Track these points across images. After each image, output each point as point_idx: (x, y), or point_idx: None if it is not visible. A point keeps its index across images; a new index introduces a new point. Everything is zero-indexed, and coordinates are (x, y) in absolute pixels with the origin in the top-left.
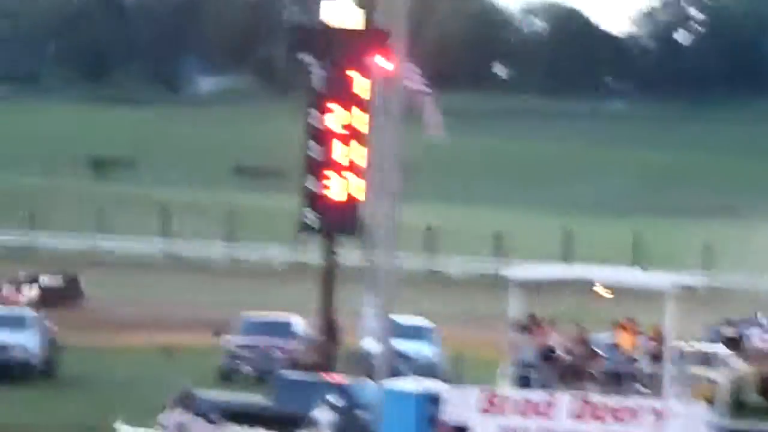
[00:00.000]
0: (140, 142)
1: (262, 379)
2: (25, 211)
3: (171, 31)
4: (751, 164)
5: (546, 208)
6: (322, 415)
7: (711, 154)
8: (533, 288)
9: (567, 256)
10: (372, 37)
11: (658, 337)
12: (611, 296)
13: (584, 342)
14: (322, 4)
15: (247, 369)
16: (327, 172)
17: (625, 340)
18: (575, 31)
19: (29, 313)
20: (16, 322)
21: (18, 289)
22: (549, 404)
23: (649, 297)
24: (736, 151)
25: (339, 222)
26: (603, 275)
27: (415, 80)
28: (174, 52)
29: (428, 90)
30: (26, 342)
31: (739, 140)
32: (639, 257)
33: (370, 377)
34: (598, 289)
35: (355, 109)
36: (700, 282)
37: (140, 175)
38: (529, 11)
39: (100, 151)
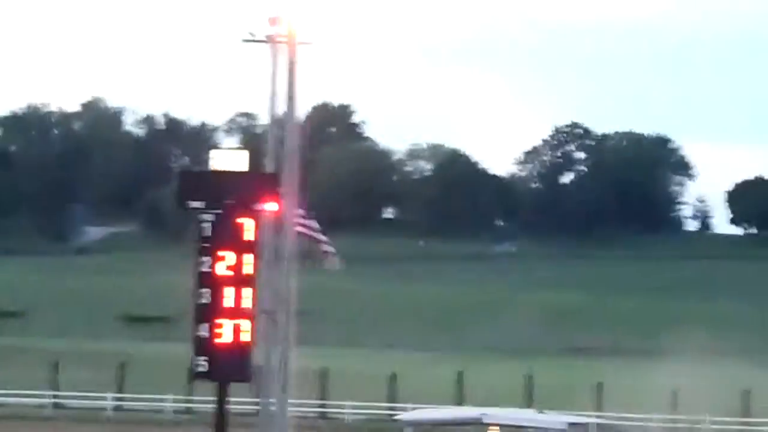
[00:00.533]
0: (28, 293)
1: None
2: None
3: (57, 180)
4: (636, 302)
5: (439, 351)
6: None
7: (598, 294)
8: (427, 430)
9: (460, 398)
10: (261, 181)
11: None
12: None
13: None
14: (210, 152)
15: None
16: (217, 320)
17: None
18: (460, 172)
19: None
20: None
21: None
22: None
23: None
24: (622, 290)
25: (230, 368)
26: (497, 416)
27: (305, 222)
28: (60, 202)
29: (316, 228)
30: None
31: (624, 278)
32: (531, 398)
33: None
34: (492, 429)
35: (245, 255)
36: (592, 420)
37: (29, 326)
38: (415, 154)
39: None
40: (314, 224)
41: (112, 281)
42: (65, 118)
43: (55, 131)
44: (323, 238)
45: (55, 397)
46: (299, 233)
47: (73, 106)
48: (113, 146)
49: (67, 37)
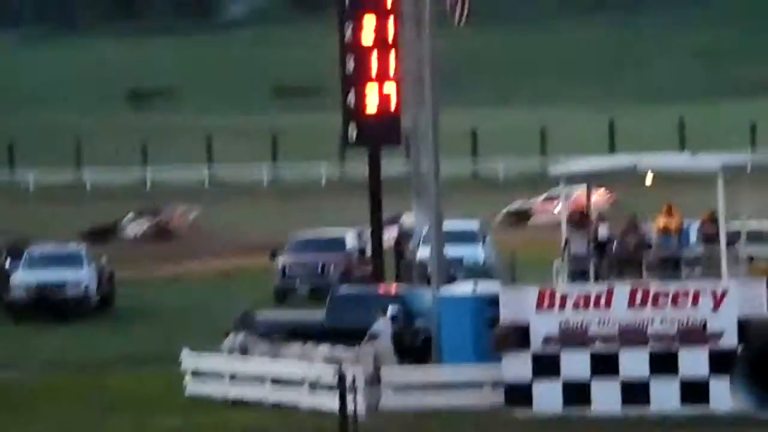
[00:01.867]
0: (176, 70)
1: (317, 296)
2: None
3: None
4: None
5: (587, 102)
6: (382, 326)
7: (749, 31)
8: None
9: (612, 147)
10: None
11: (711, 220)
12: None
13: (637, 230)
14: None
15: (302, 287)
16: (365, 86)
17: (670, 223)
18: None
19: (83, 250)
20: (70, 260)
21: None
22: (607, 296)
23: (699, 180)
24: None
25: (381, 134)
26: (650, 162)
27: None
28: None
29: None
30: (82, 278)
31: None
32: (684, 142)
33: (425, 285)
34: (647, 177)
35: (388, 20)
36: (748, 161)
37: (180, 103)
38: None
39: (139, 83)
40: None
41: (260, 54)
42: None
43: None
44: None
45: (210, 171)
46: None
47: None
48: None
49: None
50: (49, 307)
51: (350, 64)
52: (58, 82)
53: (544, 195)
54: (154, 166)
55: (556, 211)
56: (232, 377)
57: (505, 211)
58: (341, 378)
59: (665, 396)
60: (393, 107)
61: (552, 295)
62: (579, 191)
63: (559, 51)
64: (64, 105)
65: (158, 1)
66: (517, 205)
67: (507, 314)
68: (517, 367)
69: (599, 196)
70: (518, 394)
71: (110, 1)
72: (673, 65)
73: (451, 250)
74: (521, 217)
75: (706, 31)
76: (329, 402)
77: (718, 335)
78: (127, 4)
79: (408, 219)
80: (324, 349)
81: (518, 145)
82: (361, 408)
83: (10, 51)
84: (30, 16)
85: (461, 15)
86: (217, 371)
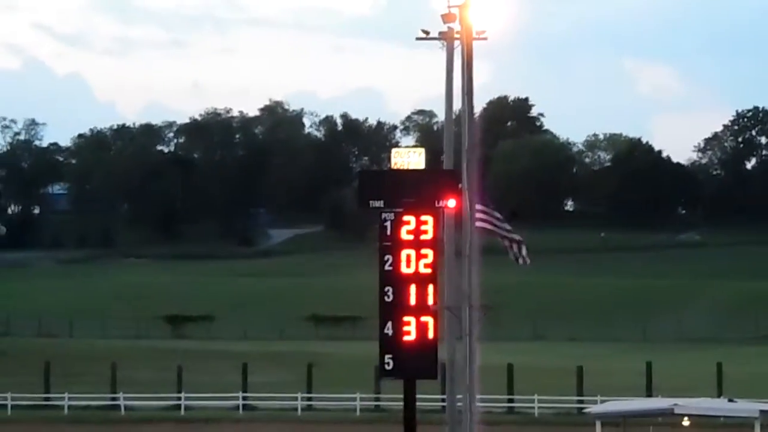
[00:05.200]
0: (215, 296)
1: None
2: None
3: (240, 185)
4: None
5: (624, 342)
6: None
7: None
8: (617, 423)
9: (649, 389)
10: (439, 177)
11: None
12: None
13: None
14: (392, 150)
15: None
16: (403, 317)
17: None
18: (640, 161)
19: None
20: None
21: None
22: None
23: (738, 426)
24: None
25: (417, 365)
26: (688, 406)
27: (487, 215)
28: (244, 206)
29: (502, 224)
30: None
31: None
32: (721, 387)
33: None
34: (684, 419)
35: (426, 252)
36: None
37: (217, 330)
38: (594, 145)
39: (178, 307)
40: (496, 215)
41: (299, 282)
42: (246, 122)
43: (237, 136)
44: (507, 227)
45: (245, 398)
46: (481, 228)
47: (252, 110)
48: (294, 149)
49: (243, 42)
50: None
51: (388, 295)
52: (96, 305)
53: None
54: (189, 391)
55: None
56: None
57: None
58: None
59: None
60: (430, 339)
61: None
62: None
63: (596, 291)
64: (101, 327)
65: (203, 227)
66: None
67: None
68: None
69: None
70: None
71: (153, 225)
72: (708, 310)
73: None
74: None
75: (742, 280)
76: None
77: None
78: (170, 229)
79: None
80: None
81: (554, 383)
82: None
83: (51, 274)
84: (72, 240)
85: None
86: None
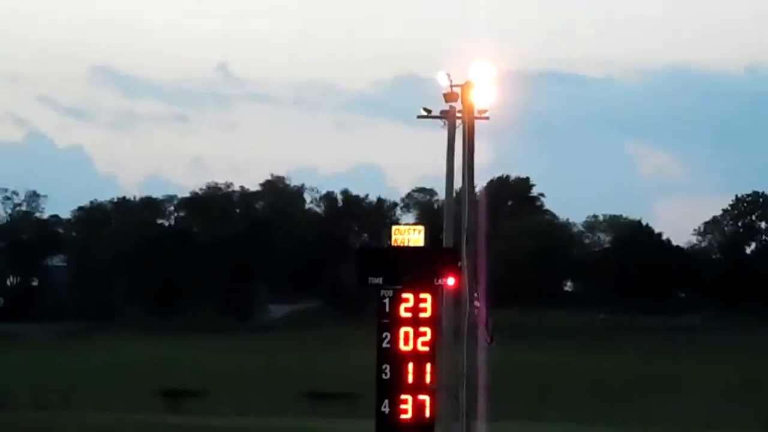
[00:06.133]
0: (212, 371)
1: None
2: None
3: (239, 259)
4: None
5: (624, 425)
6: None
7: None
8: None
9: None
10: (439, 256)
11: None
12: None
13: None
14: (392, 227)
15: None
16: (400, 394)
17: None
18: (640, 244)
19: None
20: None
21: None
22: None
23: None
24: None
25: None
26: None
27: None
28: (244, 281)
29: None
30: None
31: None
32: None
33: None
34: None
35: (424, 330)
36: None
37: (212, 405)
38: (593, 226)
39: (174, 382)
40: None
41: (296, 358)
42: (246, 197)
43: (237, 211)
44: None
45: None
46: (477, 308)
47: (253, 185)
48: (294, 224)
49: (245, 118)
50: None
51: (386, 373)
52: (92, 377)
53: None
54: None
55: None
56: None
57: None
58: None
59: None
60: (427, 418)
61: None
62: None
63: (595, 373)
64: (96, 400)
65: (203, 301)
66: None
67: None
68: None
69: None
70: None
71: (152, 298)
72: (711, 394)
73: None
74: None
75: (743, 363)
76: None
77: None
78: (169, 302)
79: None
80: None
81: None
82: None
83: (49, 345)
84: (70, 313)
85: (491, 336)
86: None
